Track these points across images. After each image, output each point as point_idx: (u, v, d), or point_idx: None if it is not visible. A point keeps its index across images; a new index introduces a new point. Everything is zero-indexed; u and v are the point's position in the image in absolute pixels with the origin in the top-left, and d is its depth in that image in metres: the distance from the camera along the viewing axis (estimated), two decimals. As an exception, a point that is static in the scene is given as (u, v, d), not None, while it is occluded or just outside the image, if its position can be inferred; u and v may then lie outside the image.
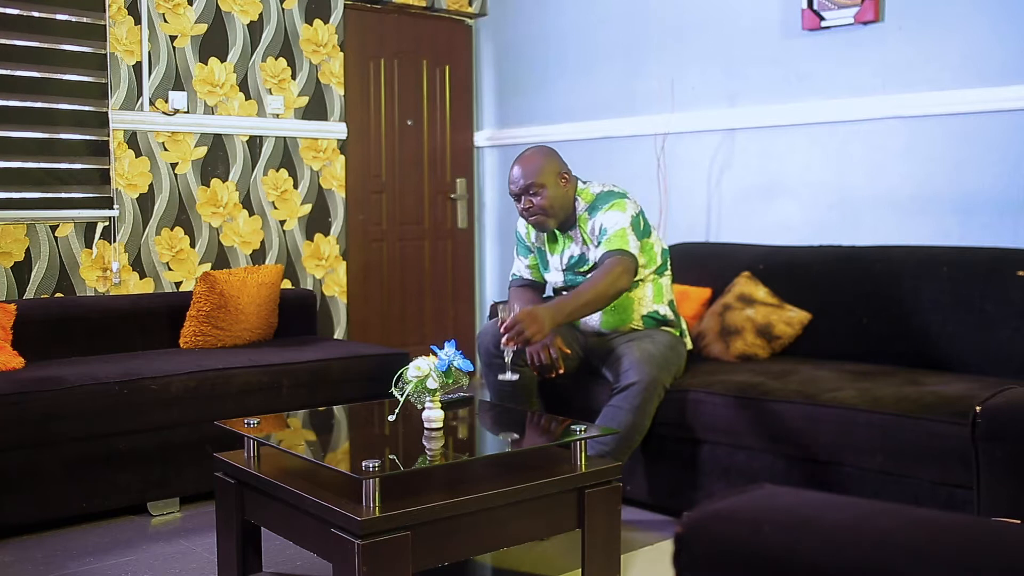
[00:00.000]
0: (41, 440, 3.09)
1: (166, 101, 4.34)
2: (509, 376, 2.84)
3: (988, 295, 3.20)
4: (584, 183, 3.32)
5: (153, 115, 4.30)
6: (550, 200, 3.22)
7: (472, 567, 2.88)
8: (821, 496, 1.14)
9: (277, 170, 4.72)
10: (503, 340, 2.94)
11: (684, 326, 3.43)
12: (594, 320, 3.32)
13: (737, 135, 4.33)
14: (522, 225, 3.46)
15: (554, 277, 3.40)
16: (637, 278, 3.24)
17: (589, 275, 3.22)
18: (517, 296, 3.42)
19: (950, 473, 2.61)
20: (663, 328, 3.32)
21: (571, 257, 3.31)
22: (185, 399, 3.35)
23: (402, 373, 2.59)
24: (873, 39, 3.84)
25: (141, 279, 4.30)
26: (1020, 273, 3.16)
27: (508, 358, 2.86)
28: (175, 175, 4.40)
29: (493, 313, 4.04)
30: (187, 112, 4.41)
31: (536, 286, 3.50)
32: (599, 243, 3.19)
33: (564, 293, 3.37)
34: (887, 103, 3.80)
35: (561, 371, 3.11)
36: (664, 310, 3.33)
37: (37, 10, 4.00)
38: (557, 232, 3.35)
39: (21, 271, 3.97)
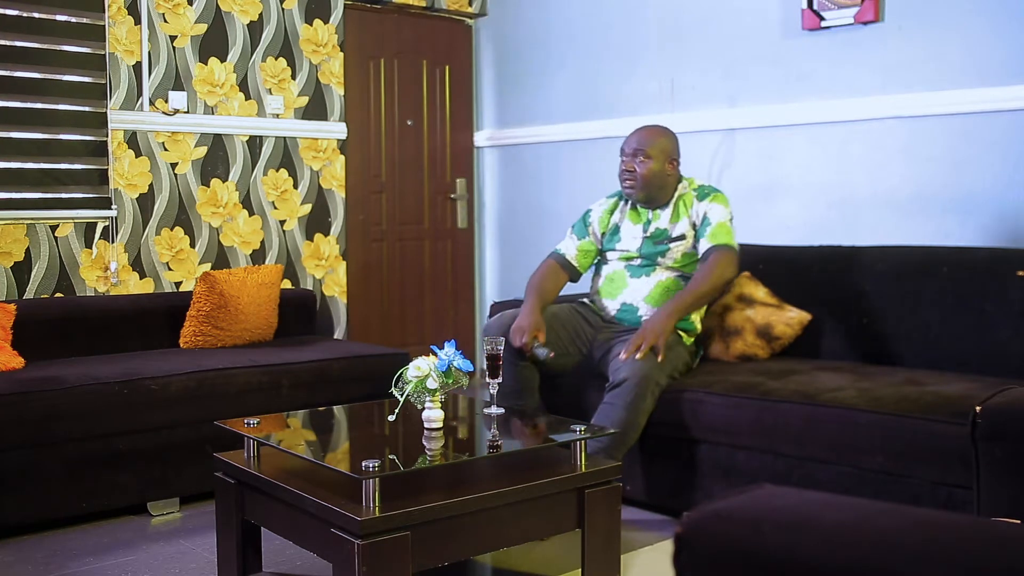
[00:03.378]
0: (41, 440, 3.09)
1: (166, 101, 4.34)
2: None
3: (988, 295, 3.20)
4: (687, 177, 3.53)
5: (153, 115, 4.30)
6: (650, 172, 3.39)
7: (472, 567, 2.88)
8: (821, 496, 1.14)
9: (277, 170, 4.72)
10: (636, 356, 3.12)
11: (699, 329, 3.47)
12: (639, 299, 3.40)
13: (737, 135, 4.32)
14: (599, 208, 3.58)
15: (627, 244, 3.48)
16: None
17: (696, 268, 3.38)
18: (536, 284, 3.48)
19: (950, 473, 2.60)
20: (677, 330, 3.32)
21: (656, 229, 3.44)
22: (185, 399, 3.35)
23: (402, 373, 2.59)
24: (873, 39, 3.84)
25: (141, 279, 4.30)
26: (1020, 273, 3.16)
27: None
28: (175, 175, 4.40)
29: (493, 313, 4.04)
30: (187, 112, 4.41)
31: (571, 273, 3.56)
32: (700, 232, 3.37)
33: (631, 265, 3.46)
34: (887, 103, 3.80)
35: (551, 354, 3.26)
36: (694, 315, 3.40)
37: (37, 11, 4.00)
38: (641, 209, 3.49)
39: (21, 271, 3.97)
